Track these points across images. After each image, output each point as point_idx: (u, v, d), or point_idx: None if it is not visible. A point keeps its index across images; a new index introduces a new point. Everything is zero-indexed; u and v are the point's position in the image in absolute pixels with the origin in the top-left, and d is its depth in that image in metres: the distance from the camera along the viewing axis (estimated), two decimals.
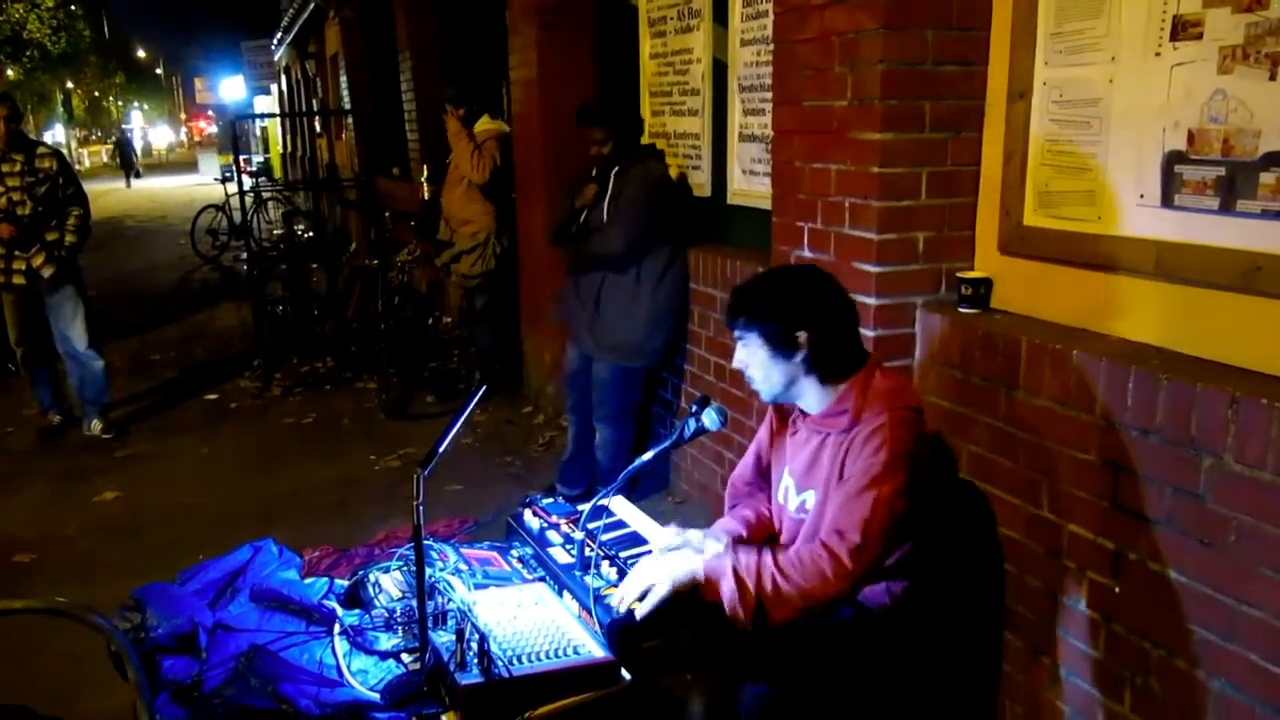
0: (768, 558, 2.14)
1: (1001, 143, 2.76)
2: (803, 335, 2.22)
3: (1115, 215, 2.44)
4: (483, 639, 1.90)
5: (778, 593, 2.10)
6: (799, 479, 2.36)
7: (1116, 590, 2.32)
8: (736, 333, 2.30)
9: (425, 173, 6.84)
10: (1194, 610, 2.14)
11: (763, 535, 2.49)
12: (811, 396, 2.30)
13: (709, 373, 4.27)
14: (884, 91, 2.72)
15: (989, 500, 2.67)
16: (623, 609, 2.12)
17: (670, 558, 2.22)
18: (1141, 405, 2.21)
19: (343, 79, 12.21)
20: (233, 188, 9.14)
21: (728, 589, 2.12)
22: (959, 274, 2.85)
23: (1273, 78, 2.05)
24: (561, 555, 2.37)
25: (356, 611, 2.22)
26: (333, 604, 2.24)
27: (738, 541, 2.37)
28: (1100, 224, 2.48)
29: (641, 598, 2.12)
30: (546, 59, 5.40)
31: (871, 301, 2.86)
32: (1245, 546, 2.01)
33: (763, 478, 2.56)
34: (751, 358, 2.29)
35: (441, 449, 2.03)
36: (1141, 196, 2.37)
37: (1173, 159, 2.28)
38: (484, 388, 2.25)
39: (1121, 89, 2.40)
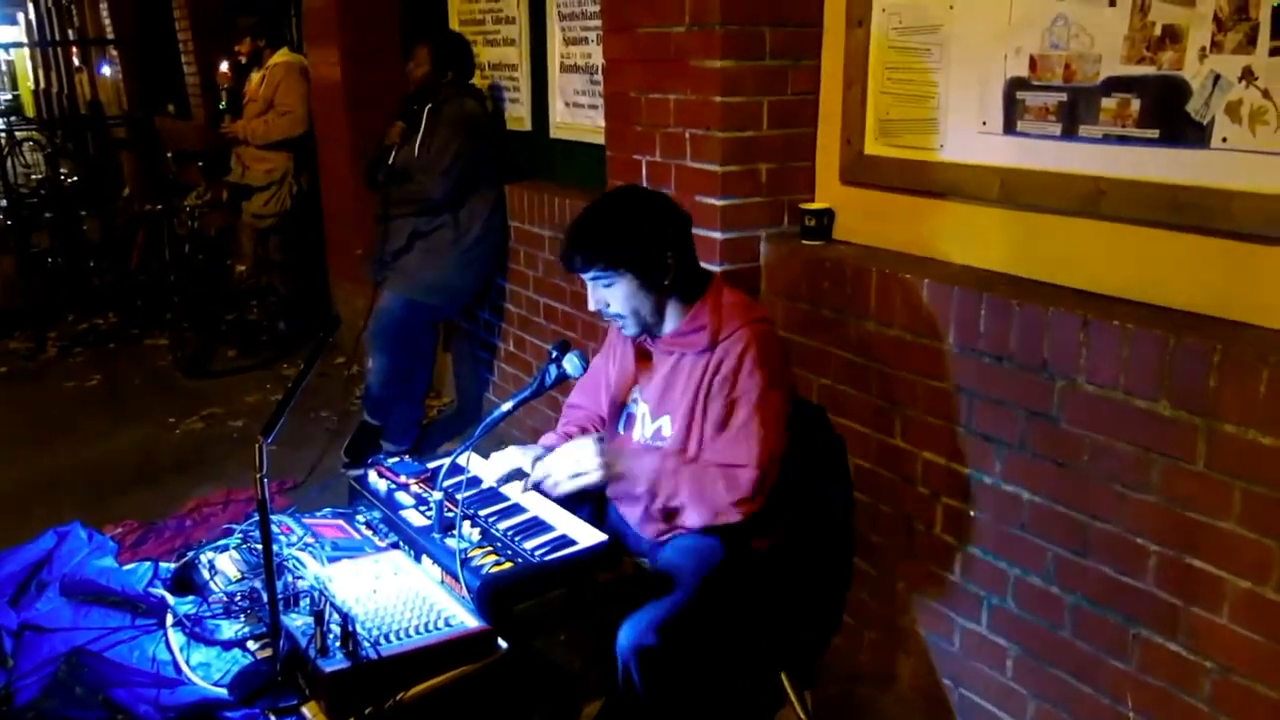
0: (685, 472, 2.17)
1: (841, 71, 2.72)
2: (670, 257, 2.17)
3: (958, 143, 2.45)
4: (346, 619, 1.73)
5: (684, 509, 2.18)
6: (654, 405, 2.32)
7: (971, 514, 2.38)
8: (591, 275, 2.20)
9: (224, 101, 6.25)
10: (1049, 529, 2.20)
11: None
12: (670, 319, 2.27)
13: (539, 314, 4.13)
14: (724, 16, 2.63)
15: (834, 426, 2.70)
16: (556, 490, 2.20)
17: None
18: (994, 332, 2.24)
19: (103, 6, 11.09)
20: None
21: (641, 491, 2.19)
22: (801, 205, 2.82)
23: (1112, 3, 2.07)
24: (415, 518, 2.20)
25: (190, 598, 1.99)
26: (160, 591, 2.01)
27: None
28: (943, 152, 2.49)
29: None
30: None
31: (717, 236, 2.79)
32: (1098, 465, 2.08)
33: (597, 401, 2.53)
34: (614, 295, 2.21)
35: (284, 414, 1.83)
36: (984, 124, 2.38)
37: (1014, 85, 2.29)
38: (328, 340, 2.04)
39: (962, 15, 2.40)
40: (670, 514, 2.20)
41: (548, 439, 2.49)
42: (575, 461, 2.20)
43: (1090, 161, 2.16)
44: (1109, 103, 2.11)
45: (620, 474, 2.21)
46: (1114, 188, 2.11)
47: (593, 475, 2.18)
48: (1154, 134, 2.04)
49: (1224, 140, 1.93)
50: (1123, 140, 2.09)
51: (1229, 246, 1.95)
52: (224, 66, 6.32)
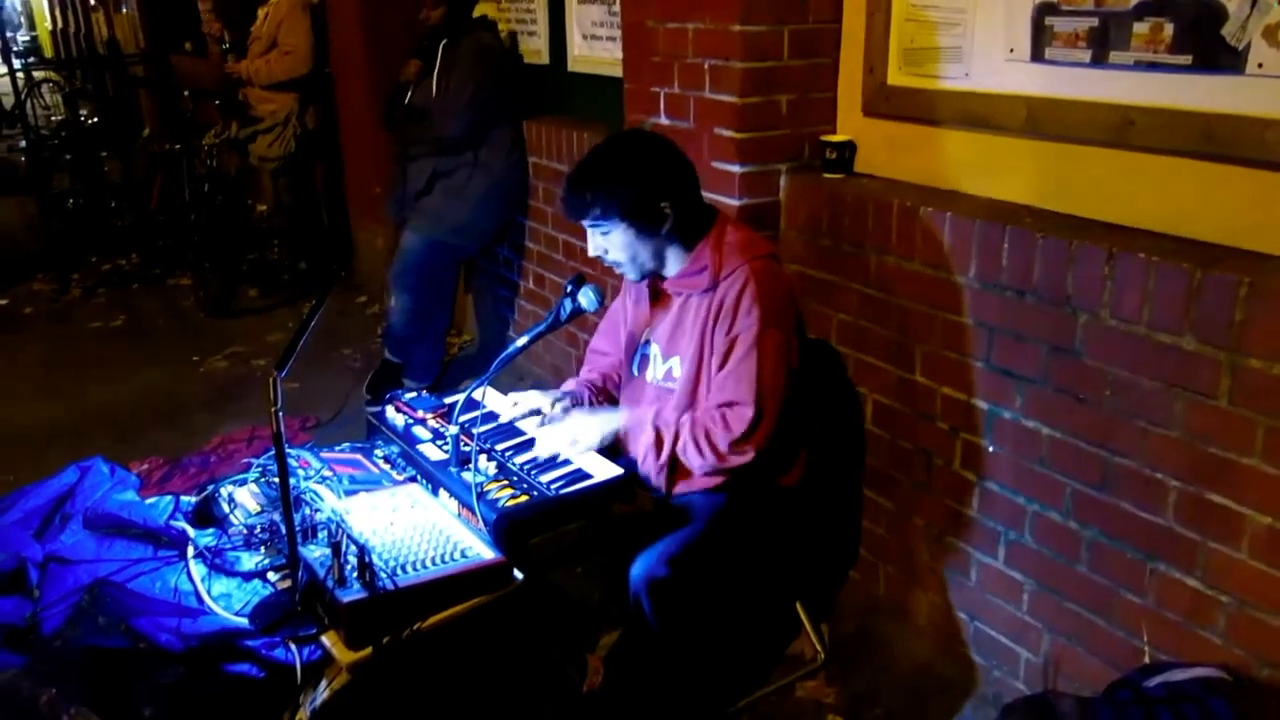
0: (685, 422, 2.18)
1: None
2: (667, 206, 2.14)
3: (983, 72, 2.39)
4: (362, 551, 1.75)
5: (687, 457, 2.17)
6: (664, 346, 2.32)
7: (990, 450, 2.36)
8: (588, 223, 2.19)
9: (227, 40, 6.14)
10: (1068, 464, 2.18)
11: (604, 399, 2.51)
12: (674, 262, 2.26)
13: (558, 251, 4.10)
14: None
15: (853, 362, 2.68)
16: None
17: (598, 414, 2.28)
18: (1017, 265, 2.20)
19: None
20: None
21: (644, 445, 2.18)
22: (822, 138, 2.77)
23: None
24: (433, 452, 2.21)
25: (211, 531, 2.01)
26: (182, 524, 2.03)
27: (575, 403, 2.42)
28: (968, 81, 2.43)
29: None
30: None
31: (736, 169, 2.75)
32: (1119, 400, 2.05)
33: (619, 345, 2.51)
34: (612, 242, 2.20)
35: (298, 348, 1.82)
36: (1011, 51, 2.31)
37: (1043, 11, 2.22)
38: (339, 275, 2.04)
39: None
40: (678, 463, 2.20)
41: (569, 385, 2.48)
42: (575, 434, 2.21)
43: (1120, 89, 2.09)
44: (1141, 28, 2.04)
45: (620, 433, 2.24)
46: (1144, 117, 2.05)
47: (592, 441, 2.20)
48: (1187, 60, 1.98)
49: (1260, 66, 1.86)
50: (1154, 67, 2.03)
51: (1262, 177, 1.90)
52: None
